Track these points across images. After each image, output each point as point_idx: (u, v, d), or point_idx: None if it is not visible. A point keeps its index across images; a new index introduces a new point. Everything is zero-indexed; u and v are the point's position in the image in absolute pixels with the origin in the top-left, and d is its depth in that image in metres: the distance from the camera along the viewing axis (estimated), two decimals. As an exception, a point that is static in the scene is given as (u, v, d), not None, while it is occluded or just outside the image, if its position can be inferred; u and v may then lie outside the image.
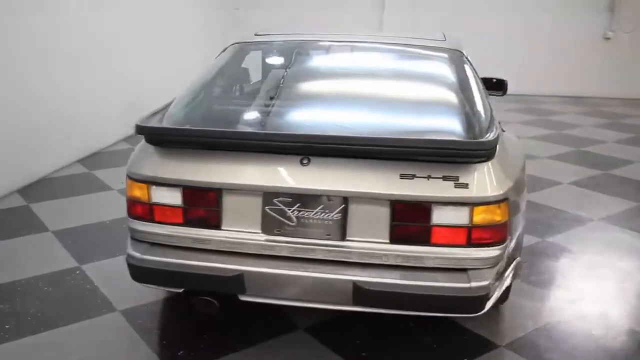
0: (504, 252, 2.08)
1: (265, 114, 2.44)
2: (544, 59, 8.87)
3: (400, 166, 1.98)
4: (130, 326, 2.61)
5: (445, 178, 1.96)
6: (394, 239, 2.03)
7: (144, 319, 2.66)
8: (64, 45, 4.77)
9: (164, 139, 2.12)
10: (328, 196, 2.01)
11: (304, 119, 2.42)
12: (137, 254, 2.11)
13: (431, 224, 2.00)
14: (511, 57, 8.54)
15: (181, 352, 2.43)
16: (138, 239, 2.19)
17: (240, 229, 2.10)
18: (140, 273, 2.11)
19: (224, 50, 2.91)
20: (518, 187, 2.20)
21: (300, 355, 2.43)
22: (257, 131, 2.04)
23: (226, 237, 2.10)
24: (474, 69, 2.79)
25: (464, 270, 2.02)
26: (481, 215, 1.99)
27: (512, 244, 2.31)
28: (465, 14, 8.91)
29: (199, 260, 2.07)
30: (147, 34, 6.31)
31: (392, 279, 1.98)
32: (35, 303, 2.78)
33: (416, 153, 1.96)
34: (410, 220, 2.01)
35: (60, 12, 4.71)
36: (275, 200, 2.04)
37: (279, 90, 2.51)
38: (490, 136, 2.02)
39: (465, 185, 1.95)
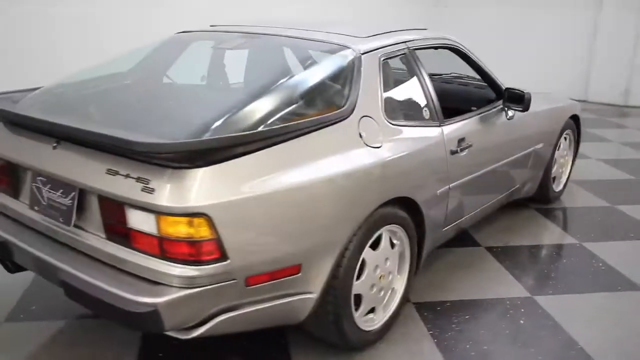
0: (214, 273, 1.81)
1: (82, 100, 2.50)
2: None
3: (111, 161, 1.90)
4: (22, 277, 2.84)
5: (138, 179, 1.81)
6: (108, 236, 1.96)
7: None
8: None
9: None
10: (63, 181, 2.04)
11: (93, 107, 2.41)
12: None
13: (128, 226, 1.87)
14: None
15: (33, 307, 2.69)
16: None
17: (23, 201, 2.26)
18: None
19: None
20: (262, 207, 1.87)
21: (113, 337, 2.46)
22: (19, 113, 2.16)
23: (15, 207, 2.28)
24: (373, 71, 2.40)
25: (158, 283, 1.84)
26: (171, 227, 1.78)
27: (311, 273, 2.03)
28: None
29: None
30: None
31: (86, 275, 1.91)
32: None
33: (103, 148, 1.89)
34: (113, 219, 1.91)
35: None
36: (37, 179, 2.14)
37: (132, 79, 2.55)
38: (194, 138, 1.80)
39: (151, 190, 1.77)
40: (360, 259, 2.24)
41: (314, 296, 2.09)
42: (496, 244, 3.46)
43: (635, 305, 2.83)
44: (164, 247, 1.81)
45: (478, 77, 3.36)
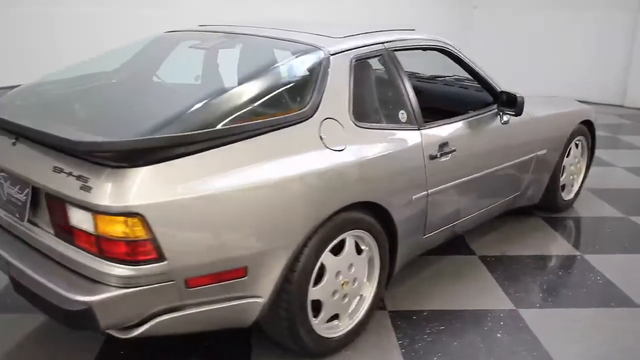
0: (150, 274, 1.80)
1: (52, 99, 2.52)
2: None
3: (59, 159, 1.91)
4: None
5: (79, 177, 1.82)
6: (56, 233, 1.97)
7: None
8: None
9: None
10: (19, 178, 2.07)
11: (55, 108, 2.42)
12: None
13: (71, 224, 1.88)
14: None
15: (8, 300, 2.74)
16: None
17: (-7, 196, 2.31)
18: None
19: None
20: (202, 209, 1.85)
21: (81, 332, 2.50)
22: None
23: None
24: (342, 72, 2.35)
25: (97, 282, 1.84)
26: (107, 226, 1.78)
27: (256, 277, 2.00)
28: None
29: None
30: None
31: (30, 271, 1.92)
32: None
33: (52, 146, 1.90)
34: (58, 216, 1.92)
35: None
36: (0, 174, 2.19)
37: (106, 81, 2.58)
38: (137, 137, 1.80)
39: (88, 189, 1.78)
40: (318, 264, 2.19)
41: (262, 300, 2.05)
42: (492, 253, 3.34)
43: (625, 322, 2.67)
44: (101, 246, 1.81)
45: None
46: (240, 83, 2.27)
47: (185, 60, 2.75)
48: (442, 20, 8.48)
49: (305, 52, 2.41)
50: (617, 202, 4.20)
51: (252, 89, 2.22)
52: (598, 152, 5.30)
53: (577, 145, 3.90)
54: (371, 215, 2.36)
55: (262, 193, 1.97)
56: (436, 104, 3.50)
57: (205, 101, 2.15)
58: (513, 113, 2.99)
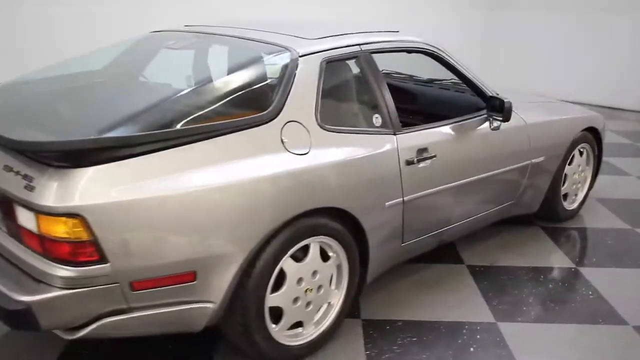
0: (92, 275, 1.78)
1: (22, 100, 2.51)
2: None
3: (10, 158, 1.91)
4: None
5: (25, 177, 1.82)
6: (8, 232, 1.97)
7: None
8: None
9: None
10: None
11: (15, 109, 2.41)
12: None
13: (18, 223, 1.87)
14: None
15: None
16: None
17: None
18: None
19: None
20: (146, 211, 1.82)
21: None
22: None
23: None
24: (311, 74, 2.29)
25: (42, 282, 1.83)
26: (49, 227, 1.76)
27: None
28: None
29: None
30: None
31: None
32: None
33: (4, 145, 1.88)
34: (8, 215, 1.92)
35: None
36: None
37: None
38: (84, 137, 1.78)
39: (32, 188, 1.77)
40: (277, 270, 2.14)
41: (213, 306, 2.01)
42: (481, 263, 3.23)
43: (610, 341, 2.55)
44: (45, 246, 1.80)
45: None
46: (205, 84, 2.25)
47: (162, 60, 2.73)
48: (467, 22, 8.32)
49: (274, 54, 2.36)
50: (625, 213, 4.03)
51: (216, 89, 2.20)
52: (613, 160, 5.16)
53: (581, 153, 3.76)
54: (338, 222, 2.30)
55: (213, 196, 1.93)
56: (429, 109, 3.42)
57: (167, 101, 2.13)
58: (501, 118, 2.89)
